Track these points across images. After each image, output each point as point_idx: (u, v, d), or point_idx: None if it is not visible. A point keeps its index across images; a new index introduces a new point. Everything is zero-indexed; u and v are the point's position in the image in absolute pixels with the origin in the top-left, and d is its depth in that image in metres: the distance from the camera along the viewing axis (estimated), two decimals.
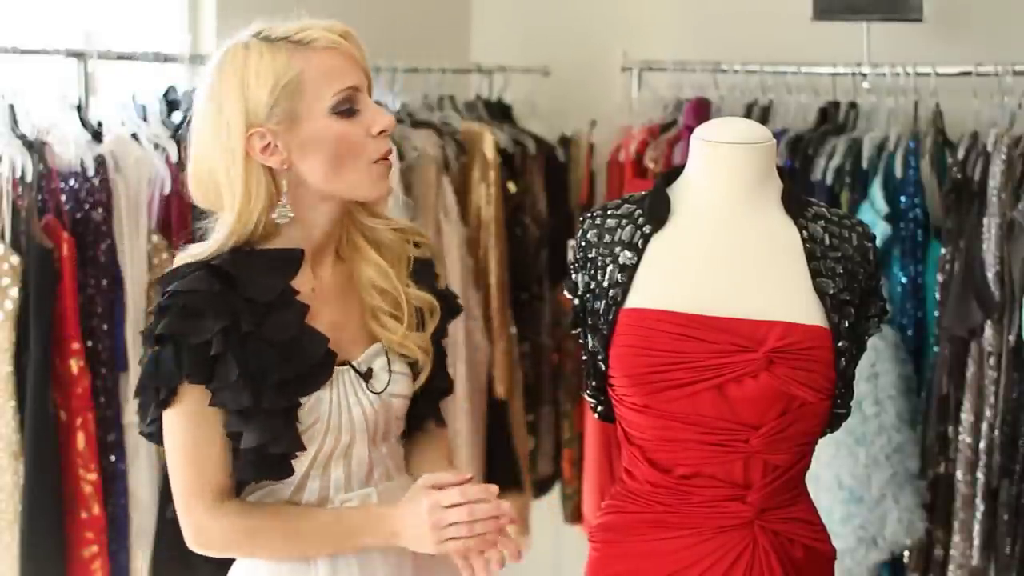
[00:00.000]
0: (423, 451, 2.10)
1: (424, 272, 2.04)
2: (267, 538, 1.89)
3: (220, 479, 1.87)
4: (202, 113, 1.88)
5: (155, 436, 1.92)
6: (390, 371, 1.97)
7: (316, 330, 1.89)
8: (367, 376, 1.94)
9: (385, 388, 1.96)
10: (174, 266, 1.91)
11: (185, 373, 1.82)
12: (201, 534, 1.89)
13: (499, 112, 3.93)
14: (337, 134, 1.87)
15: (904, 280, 3.11)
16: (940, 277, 3.01)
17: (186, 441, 1.86)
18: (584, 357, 2.02)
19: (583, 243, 1.99)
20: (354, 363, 1.94)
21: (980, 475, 2.94)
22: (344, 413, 1.91)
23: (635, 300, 1.93)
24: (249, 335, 1.83)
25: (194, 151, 1.90)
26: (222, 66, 1.86)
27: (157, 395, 1.86)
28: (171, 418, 1.87)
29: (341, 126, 1.87)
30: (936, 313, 3.03)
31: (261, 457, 1.85)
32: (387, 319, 1.97)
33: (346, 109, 1.87)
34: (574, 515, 3.83)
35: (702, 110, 3.41)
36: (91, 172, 2.83)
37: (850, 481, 3.02)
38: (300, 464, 1.91)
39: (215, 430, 1.86)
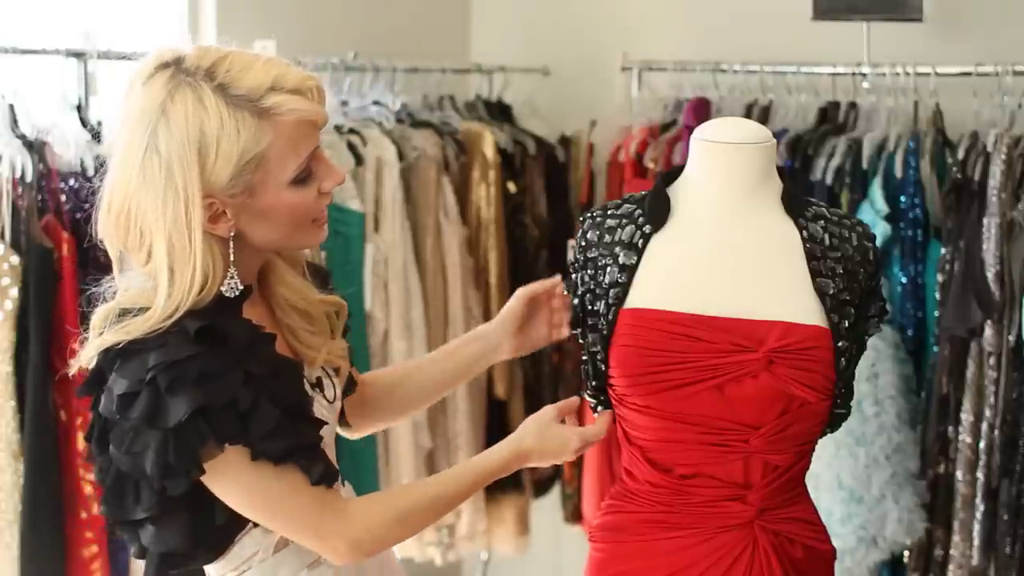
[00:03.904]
0: (392, 400, 2.11)
1: (318, 274, 1.98)
2: (418, 517, 1.84)
3: (321, 493, 1.76)
4: (138, 162, 1.69)
5: (156, 519, 1.74)
6: (331, 378, 1.93)
7: (287, 356, 1.82)
8: (320, 387, 1.89)
9: (335, 396, 1.93)
10: (113, 338, 1.71)
11: (224, 439, 1.68)
12: (355, 546, 1.78)
13: (499, 112, 3.93)
14: (292, 203, 1.75)
15: (904, 280, 3.11)
16: (940, 277, 3.01)
17: (269, 492, 1.73)
18: (584, 357, 2.02)
19: (583, 243, 1.99)
20: (306, 376, 1.87)
21: (980, 475, 2.94)
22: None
23: (635, 300, 1.93)
24: (262, 378, 1.72)
25: (122, 198, 1.72)
26: (168, 114, 1.67)
27: (186, 476, 1.68)
28: (235, 486, 1.72)
29: (297, 195, 1.75)
30: (936, 313, 3.03)
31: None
32: (305, 335, 1.89)
33: (304, 177, 1.75)
34: (574, 515, 3.83)
35: (702, 110, 3.41)
36: (91, 172, 2.84)
37: (850, 481, 3.02)
38: None
39: (268, 466, 1.73)
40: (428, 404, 2.20)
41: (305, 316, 1.90)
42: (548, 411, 1.98)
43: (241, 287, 1.76)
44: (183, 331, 1.69)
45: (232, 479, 1.72)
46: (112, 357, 1.72)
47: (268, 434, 1.70)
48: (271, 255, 1.87)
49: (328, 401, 1.90)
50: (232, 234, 1.74)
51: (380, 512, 1.81)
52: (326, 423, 1.83)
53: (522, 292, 2.14)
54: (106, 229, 1.76)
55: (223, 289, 1.74)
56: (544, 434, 1.94)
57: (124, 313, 1.73)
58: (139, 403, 1.67)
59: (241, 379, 1.69)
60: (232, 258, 1.74)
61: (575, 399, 2.00)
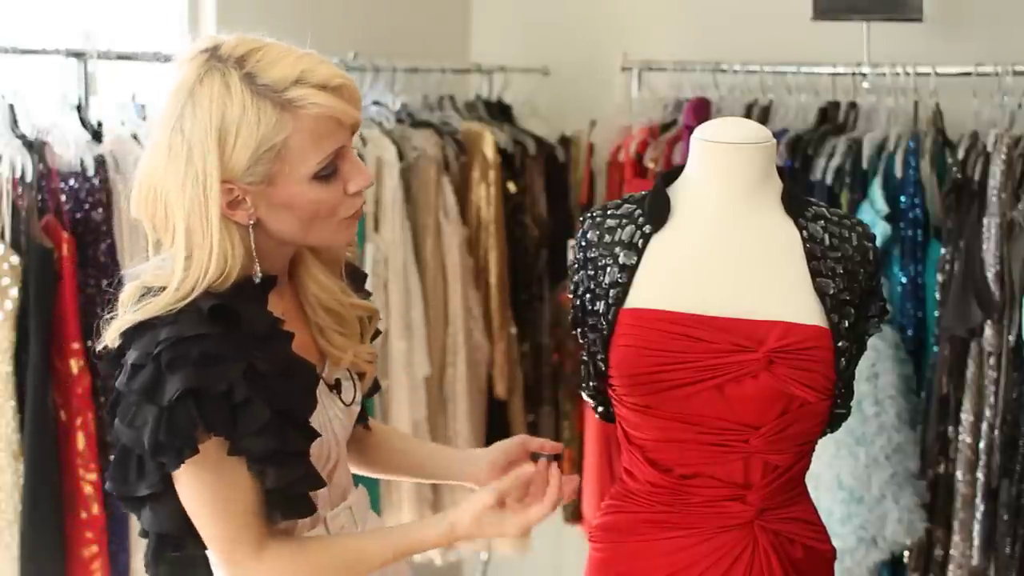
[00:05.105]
0: (364, 454, 2.09)
1: (355, 277, 1.98)
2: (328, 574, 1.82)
3: (258, 524, 1.75)
4: (165, 141, 1.72)
5: (154, 498, 1.74)
6: (352, 380, 1.93)
7: (302, 358, 1.79)
8: (338, 389, 1.89)
9: (354, 399, 1.92)
10: (131, 318, 1.71)
11: (210, 426, 1.67)
12: None
13: (499, 112, 3.93)
14: (312, 199, 1.74)
15: (904, 280, 3.11)
16: (940, 277, 3.01)
17: (215, 496, 1.72)
18: (583, 357, 2.02)
19: (583, 243, 1.99)
20: (323, 376, 1.87)
21: (980, 475, 2.94)
22: (329, 431, 1.85)
23: (635, 300, 1.93)
24: (266, 375, 1.71)
25: (150, 176, 1.75)
26: (195, 96, 1.70)
27: (178, 455, 1.67)
28: (193, 474, 1.71)
29: (318, 191, 1.74)
30: (936, 313, 3.03)
31: (286, 498, 1.76)
32: (334, 336, 1.88)
33: (327, 174, 1.74)
34: (574, 515, 3.83)
35: (702, 110, 3.41)
36: (91, 172, 2.84)
37: (850, 481, 3.02)
38: None
39: (241, 474, 1.73)
40: (391, 472, 2.14)
41: (335, 317, 1.89)
42: (488, 497, 1.84)
43: (261, 275, 1.76)
44: (198, 310, 1.70)
45: (201, 463, 1.70)
46: (131, 332, 1.73)
47: (253, 433, 1.70)
48: (303, 250, 1.87)
49: (345, 403, 1.90)
50: (252, 222, 1.74)
51: (292, 566, 1.78)
52: (319, 435, 1.79)
53: (522, 437, 2.10)
54: (137, 207, 1.78)
55: (252, 276, 1.75)
56: (481, 521, 1.84)
57: (147, 292, 1.74)
58: (142, 376, 1.68)
59: (242, 371, 1.68)
60: (254, 246, 1.75)
61: (525, 474, 1.87)
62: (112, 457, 1.80)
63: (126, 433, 1.71)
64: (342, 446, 1.91)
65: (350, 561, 1.82)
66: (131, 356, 1.70)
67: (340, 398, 1.89)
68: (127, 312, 1.74)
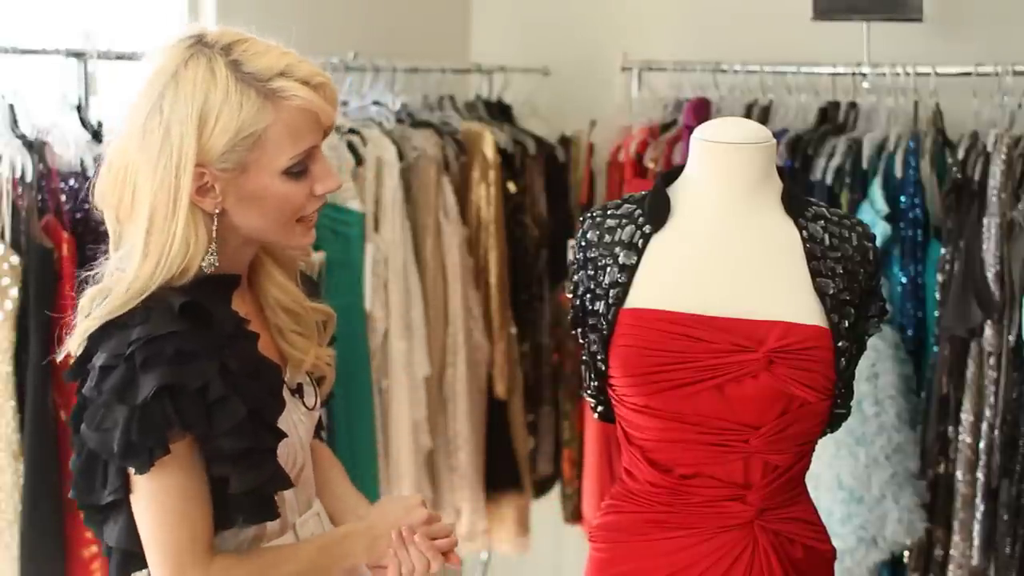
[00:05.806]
0: (318, 466, 2.04)
1: (308, 284, 1.97)
2: None
3: (208, 533, 1.73)
4: (141, 123, 1.71)
5: (116, 508, 1.73)
6: (312, 385, 1.92)
7: (268, 358, 1.79)
8: (300, 393, 1.88)
9: (315, 404, 1.91)
10: (98, 317, 1.70)
11: (186, 424, 1.65)
12: None
13: (499, 112, 3.93)
14: (281, 194, 1.75)
15: (904, 280, 3.11)
16: (940, 277, 3.01)
17: (176, 500, 1.69)
18: (584, 357, 2.02)
19: (583, 243, 1.99)
20: (286, 380, 1.86)
21: (980, 475, 2.94)
22: (295, 435, 1.84)
23: (635, 300, 1.93)
24: (236, 373, 1.69)
25: (121, 157, 1.74)
26: (179, 79, 1.70)
27: (149, 456, 1.65)
28: (155, 480, 1.68)
29: (287, 187, 1.75)
30: (936, 313, 3.03)
31: (253, 500, 1.73)
32: (294, 338, 1.88)
33: (298, 171, 1.76)
34: (574, 515, 3.83)
35: (702, 110, 3.41)
36: (91, 172, 2.83)
37: (850, 481, 3.02)
38: None
39: (201, 479, 1.71)
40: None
41: (295, 318, 1.89)
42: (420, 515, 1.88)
43: (216, 264, 1.74)
44: (169, 307, 1.69)
45: (169, 464, 1.68)
46: (98, 334, 1.71)
47: (226, 431, 1.68)
48: (261, 254, 1.87)
49: (307, 408, 1.89)
50: (217, 211, 1.74)
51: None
52: (286, 435, 1.78)
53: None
54: (103, 189, 1.77)
55: (203, 265, 1.74)
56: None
57: (109, 293, 1.73)
58: (113, 377, 1.66)
59: (217, 368, 1.68)
60: (215, 236, 1.74)
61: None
62: (71, 464, 1.77)
63: (93, 438, 1.68)
64: (307, 450, 1.90)
65: (266, 567, 1.78)
66: (99, 359, 1.68)
67: (303, 402, 1.88)
68: (92, 314, 1.72)
